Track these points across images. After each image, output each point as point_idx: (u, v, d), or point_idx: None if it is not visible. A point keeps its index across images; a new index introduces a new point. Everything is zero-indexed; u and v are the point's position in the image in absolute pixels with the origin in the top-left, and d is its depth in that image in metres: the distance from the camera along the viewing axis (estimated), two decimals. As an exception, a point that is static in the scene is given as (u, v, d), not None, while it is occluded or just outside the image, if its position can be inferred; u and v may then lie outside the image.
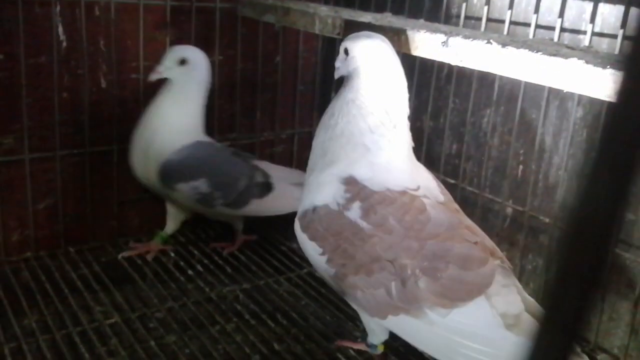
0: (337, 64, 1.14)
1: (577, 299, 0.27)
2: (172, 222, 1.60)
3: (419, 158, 1.62)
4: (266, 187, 1.53)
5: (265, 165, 1.58)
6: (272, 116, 1.81)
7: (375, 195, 1.03)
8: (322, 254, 1.06)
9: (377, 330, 1.14)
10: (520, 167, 1.43)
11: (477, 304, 1.00)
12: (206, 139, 1.53)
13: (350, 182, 1.05)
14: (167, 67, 1.43)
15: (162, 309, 1.35)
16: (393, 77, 1.10)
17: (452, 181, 1.56)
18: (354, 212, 1.03)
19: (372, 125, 1.07)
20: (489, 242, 1.08)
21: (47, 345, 1.19)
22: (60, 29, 1.43)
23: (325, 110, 1.15)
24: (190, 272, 1.50)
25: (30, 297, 1.33)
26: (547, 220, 1.36)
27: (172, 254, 1.58)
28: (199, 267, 1.52)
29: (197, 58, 1.46)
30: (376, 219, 1.02)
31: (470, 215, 1.54)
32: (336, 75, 1.15)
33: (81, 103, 1.49)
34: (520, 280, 1.44)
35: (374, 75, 1.08)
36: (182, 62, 1.44)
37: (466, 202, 1.55)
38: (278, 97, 1.80)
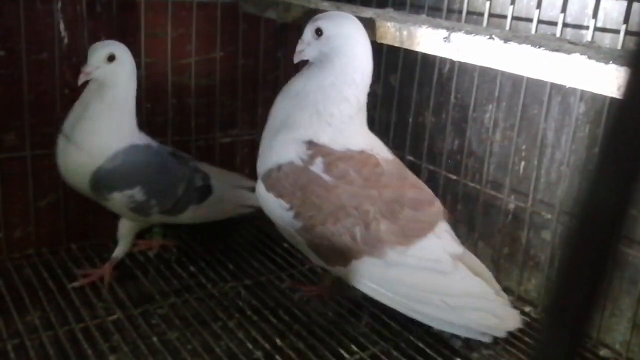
0: (302, 46, 1.17)
1: (583, 295, 0.27)
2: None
3: (420, 153, 1.63)
4: (206, 190, 1.47)
5: (204, 167, 1.51)
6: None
7: (335, 153, 1.14)
8: (290, 209, 1.13)
9: None
10: (522, 162, 1.43)
11: (430, 239, 1.17)
12: (142, 139, 1.39)
13: (312, 145, 1.15)
14: (95, 66, 1.28)
15: (165, 305, 1.35)
16: (369, 57, 1.17)
17: (454, 177, 1.56)
18: (318, 167, 1.13)
19: (343, 109, 1.15)
20: (431, 192, 1.25)
21: (49, 341, 1.19)
22: (62, 26, 1.43)
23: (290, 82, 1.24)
24: (192, 268, 1.50)
25: (32, 294, 1.33)
26: (549, 216, 1.36)
27: (174, 250, 1.58)
28: (201, 264, 1.52)
29: (125, 53, 1.33)
30: (338, 172, 1.13)
31: (472, 211, 1.54)
32: (299, 58, 1.18)
33: (83, 99, 1.48)
34: (521, 276, 1.44)
35: (355, 55, 1.14)
36: (110, 58, 1.30)
37: (468, 198, 1.55)
38: (279, 93, 1.80)
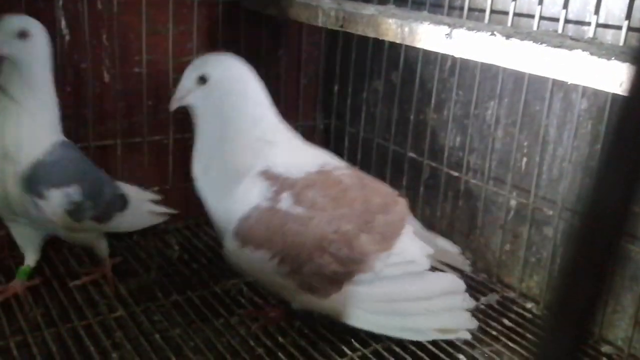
0: (183, 92, 1.13)
1: (586, 292, 0.27)
2: (32, 249, 1.34)
3: (422, 150, 1.63)
4: (124, 199, 1.40)
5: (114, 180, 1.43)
6: (276, 109, 1.81)
7: (299, 182, 1.12)
8: (272, 257, 1.08)
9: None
10: (524, 159, 1.43)
11: (404, 237, 1.20)
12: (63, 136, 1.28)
13: (270, 176, 1.12)
14: (2, 42, 1.12)
15: (167, 302, 1.35)
16: (261, 94, 1.22)
17: (456, 174, 1.56)
18: (286, 202, 1.09)
19: (260, 134, 1.17)
20: (390, 189, 1.28)
21: (52, 338, 1.19)
22: (63, 23, 1.43)
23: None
24: (194, 265, 1.50)
25: (35, 291, 1.34)
26: (551, 212, 1.36)
27: (177, 248, 1.58)
28: (203, 260, 1.52)
29: (40, 30, 1.19)
30: (307, 201, 1.11)
31: (474, 207, 1.54)
32: (176, 105, 1.14)
33: (84, 97, 1.49)
34: (524, 272, 1.44)
35: (248, 98, 1.18)
36: (22, 35, 1.15)
37: (470, 195, 1.55)
38: (281, 91, 1.80)
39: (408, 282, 1.19)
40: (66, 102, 1.45)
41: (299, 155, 1.19)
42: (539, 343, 0.31)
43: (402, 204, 1.25)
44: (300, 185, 1.11)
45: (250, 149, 1.14)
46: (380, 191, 1.23)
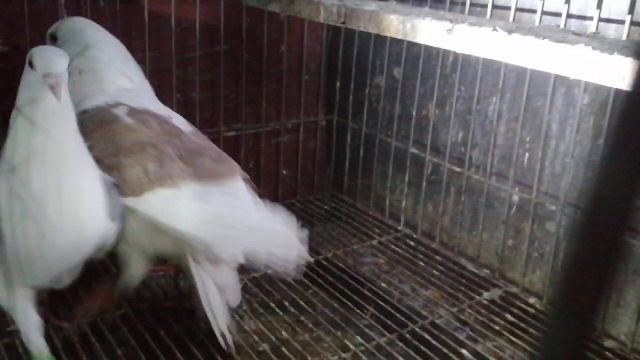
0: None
1: (590, 287, 0.28)
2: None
3: (425, 146, 1.63)
4: None
5: None
6: (278, 106, 1.81)
7: (138, 108, 1.17)
8: (87, 144, 1.05)
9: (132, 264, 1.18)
10: (527, 154, 1.43)
11: (226, 185, 1.13)
12: None
13: (111, 102, 1.18)
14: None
15: (171, 298, 1.35)
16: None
17: (458, 169, 1.56)
18: (121, 111, 1.15)
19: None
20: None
21: (57, 335, 1.20)
22: (66, 21, 1.43)
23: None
24: (198, 261, 1.50)
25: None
26: (553, 207, 1.36)
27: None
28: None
29: None
30: (140, 118, 1.14)
31: (476, 203, 1.55)
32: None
33: (87, 94, 1.49)
34: (526, 267, 1.45)
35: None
36: None
37: (472, 190, 1.56)
38: (283, 87, 1.80)
39: (222, 211, 1.11)
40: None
41: (150, 103, 1.22)
42: (543, 338, 0.31)
43: (236, 166, 1.18)
44: (138, 110, 1.16)
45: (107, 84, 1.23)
46: (218, 152, 1.19)
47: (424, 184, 1.66)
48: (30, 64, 0.97)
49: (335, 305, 1.37)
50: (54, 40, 1.26)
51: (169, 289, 1.39)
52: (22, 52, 1.38)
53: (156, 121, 1.15)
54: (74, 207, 0.98)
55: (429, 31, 1.12)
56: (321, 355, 1.21)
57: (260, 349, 1.20)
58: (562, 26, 1.21)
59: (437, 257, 1.59)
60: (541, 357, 0.29)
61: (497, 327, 1.31)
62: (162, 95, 1.59)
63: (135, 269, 1.18)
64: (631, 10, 1.09)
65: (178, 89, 1.61)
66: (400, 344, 1.25)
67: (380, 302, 1.38)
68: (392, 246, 1.65)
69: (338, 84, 1.86)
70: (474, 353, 1.23)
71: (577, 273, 0.28)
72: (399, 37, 1.20)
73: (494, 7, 1.34)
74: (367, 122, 1.81)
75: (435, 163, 1.63)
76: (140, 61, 1.54)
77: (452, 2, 1.50)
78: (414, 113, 1.65)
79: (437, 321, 1.33)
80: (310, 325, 1.28)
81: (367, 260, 1.58)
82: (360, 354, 1.21)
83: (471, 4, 1.41)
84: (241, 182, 1.16)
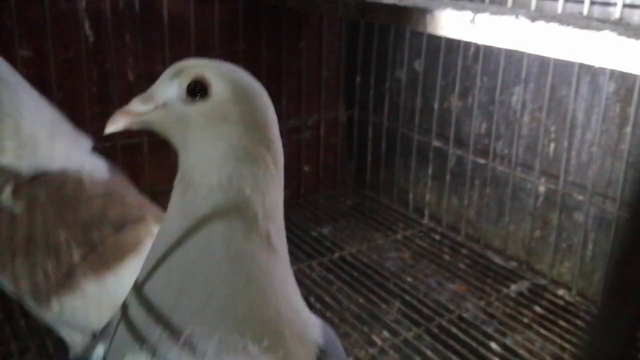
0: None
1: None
2: None
3: (447, 139, 1.61)
4: None
5: None
6: (298, 103, 1.81)
7: (26, 177, 0.99)
8: None
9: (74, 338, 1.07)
10: (552, 144, 1.41)
11: (129, 264, 0.98)
12: None
13: (3, 172, 1.00)
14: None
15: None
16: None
17: (483, 161, 1.54)
18: (5, 195, 0.98)
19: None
20: (156, 211, 1.06)
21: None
22: (87, 25, 1.44)
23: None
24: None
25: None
26: (581, 197, 1.34)
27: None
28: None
29: None
30: (27, 198, 0.98)
31: (502, 194, 1.53)
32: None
33: (110, 96, 1.50)
34: (554, 259, 1.43)
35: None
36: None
37: (497, 182, 1.54)
38: (303, 84, 1.80)
39: None
40: (92, 102, 1.48)
41: (51, 153, 1.04)
42: (591, 334, 0.30)
43: (145, 225, 1.02)
44: (26, 180, 0.99)
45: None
46: (122, 206, 1.03)
47: (447, 176, 1.65)
48: None
49: (361, 300, 1.36)
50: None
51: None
52: (45, 56, 1.41)
53: (48, 193, 0.99)
54: None
55: (450, 22, 1.11)
56: (348, 351, 1.20)
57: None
58: (585, 13, 1.19)
59: (463, 251, 1.58)
60: (590, 355, 0.29)
61: (525, 320, 1.29)
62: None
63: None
64: (657, -6, 1.07)
65: (199, 88, 1.62)
66: (428, 338, 1.24)
67: (406, 297, 1.38)
68: (417, 240, 1.64)
69: (358, 78, 1.85)
70: (503, 346, 1.22)
71: (625, 269, 0.27)
72: (419, 29, 1.19)
73: (515, -5, 1.32)
74: (389, 116, 1.80)
75: (459, 155, 1.61)
76: (161, 63, 1.55)
77: (472, -8, 1.48)
78: (435, 106, 1.63)
79: (464, 315, 1.32)
80: (336, 321, 1.28)
81: (391, 255, 1.58)
82: (388, 349, 1.21)
83: (491, -6, 1.39)
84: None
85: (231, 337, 0.51)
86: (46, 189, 0.99)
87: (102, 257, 0.98)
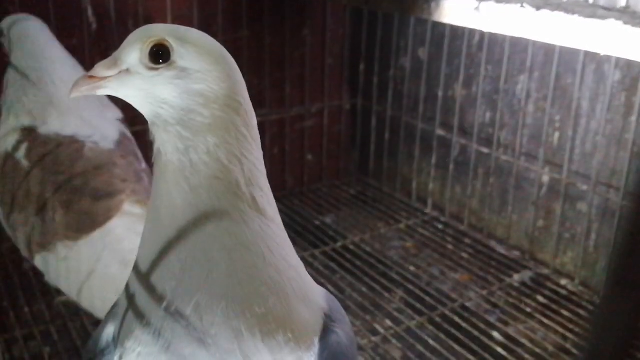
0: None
1: None
2: None
3: (451, 127, 1.61)
4: None
5: None
6: (302, 90, 1.81)
7: (41, 137, 1.09)
8: None
9: None
10: (557, 133, 1.40)
11: (96, 236, 1.02)
12: None
13: (25, 130, 1.11)
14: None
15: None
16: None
17: (487, 150, 1.54)
18: (20, 153, 1.09)
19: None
20: (139, 187, 1.09)
21: (74, 327, 1.22)
22: (90, 11, 1.44)
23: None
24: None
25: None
26: (585, 187, 1.33)
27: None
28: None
29: None
30: (35, 156, 1.07)
31: (505, 184, 1.52)
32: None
33: (113, 84, 1.50)
34: (557, 248, 1.42)
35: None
36: None
37: (501, 171, 1.53)
38: (307, 71, 1.79)
39: (91, 272, 1.03)
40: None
41: (66, 116, 1.12)
42: (597, 319, 0.30)
43: (119, 199, 1.05)
44: (39, 142, 1.09)
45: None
46: (113, 175, 1.07)
47: (451, 166, 1.64)
48: None
49: (364, 289, 1.37)
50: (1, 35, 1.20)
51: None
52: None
53: (49, 154, 1.07)
54: None
55: (455, 9, 1.10)
56: (351, 339, 1.21)
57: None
58: (590, 1, 1.17)
59: (466, 240, 1.58)
60: (593, 344, 0.29)
61: (528, 310, 1.29)
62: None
63: None
64: (664, -18, 1.05)
65: (202, 76, 1.61)
66: (431, 327, 1.24)
67: (409, 286, 1.38)
68: (420, 229, 1.64)
69: (362, 66, 1.84)
70: (505, 335, 1.22)
71: (629, 259, 0.27)
72: (424, 16, 1.18)
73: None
74: (392, 105, 1.79)
75: (463, 144, 1.61)
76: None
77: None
78: (439, 94, 1.62)
79: (467, 304, 1.32)
80: (339, 310, 1.28)
81: (394, 244, 1.58)
82: (391, 338, 1.21)
83: (497, -19, 1.38)
84: (120, 221, 1.03)
85: (237, 301, 0.52)
86: (51, 151, 1.07)
87: (76, 223, 1.02)
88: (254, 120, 0.57)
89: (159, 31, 0.55)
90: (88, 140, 1.10)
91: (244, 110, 0.56)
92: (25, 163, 1.07)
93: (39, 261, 1.06)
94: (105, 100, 1.19)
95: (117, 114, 1.20)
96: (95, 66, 0.56)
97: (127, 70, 0.55)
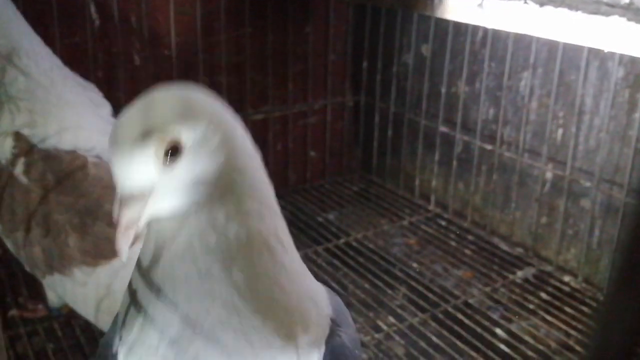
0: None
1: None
2: None
3: (454, 124, 1.61)
4: None
5: None
6: (305, 87, 1.80)
7: (40, 152, 1.03)
8: None
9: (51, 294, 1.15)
10: (560, 130, 1.40)
11: (117, 263, 0.98)
12: None
13: (19, 138, 1.04)
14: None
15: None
16: None
17: (490, 147, 1.54)
18: (19, 168, 1.03)
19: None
20: None
21: (78, 323, 1.22)
22: (93, 8, 1.44)
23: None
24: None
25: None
26: (588, 184, 1.33)
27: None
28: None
29: None
30: (36, 173, 1.01)
31: (508, 181, 1.52)
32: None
33: (116, 81, 1.50)
34: (561, 245, 1.42)
35: None
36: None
37: (504, 168, 1.53)
38: (310, 68, 1.79)
39: (115, 297, 0.98)
40: (99, 87, 1.47)
41: (65, 129, 1.06)
42: (599, 321, 0.30)
43: None
44: (39, 156, 1.03)
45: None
46: None
47: (454, 162, 1.64)
48: None
49: (367, 286, 1.37)
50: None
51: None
52: (51, 40, 1.40)
53: (54, 171, 1.01)
54: None
55: (458, 6, 1.10)
56: (353, 336, 1.21)
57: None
58: (595, -3, 1.17)
59: (469, 237, 1.58)
60: (597, 341, 0.29)
61: (531, 306, 1.29)
62: (190, 80, 1.60)
63: None
64: (668, -22, 1.05)
65: (205, 73, 1.61)
66: (434, 324, 1.24)
67: (412, 283, 1.38)
68: (423, 226, 1.64)
69: (365, 63, 1.84)
70: (508, 332, 1.22)
71: (633, 256, 0.27)
72: (427, 13, 1.18)
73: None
74: (395, 101, 1.79)
75: (466, 141, 1.61)
76: (167, 46, 1.55)
77: (481, -24, 1.46)
78: (443, 91, 1.62)
79: (470, 301, 1.32)
80: (342, 306, 1.28)
81: (397, 241, 1.58)
82: (393, 334, 1.21)
83: (500, -23, 1.37)
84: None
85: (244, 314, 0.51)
86: (52, 168, 1.01)
87: (93, 248, 0.99)
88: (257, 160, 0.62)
89: (168, 129, 0.52)
90: (90, 154, 1.04)
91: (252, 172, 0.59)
92: (24, 179, 1.02)
93: (49, 281, 1.03)
94: (96, 99, 1.15)
95: (108, 108, 1.16)
96: (118, 211, 0.50)
97: (151, 191, 0.50)
